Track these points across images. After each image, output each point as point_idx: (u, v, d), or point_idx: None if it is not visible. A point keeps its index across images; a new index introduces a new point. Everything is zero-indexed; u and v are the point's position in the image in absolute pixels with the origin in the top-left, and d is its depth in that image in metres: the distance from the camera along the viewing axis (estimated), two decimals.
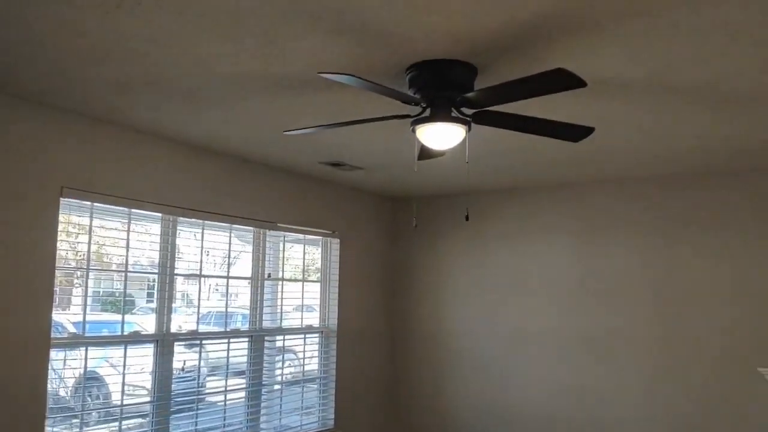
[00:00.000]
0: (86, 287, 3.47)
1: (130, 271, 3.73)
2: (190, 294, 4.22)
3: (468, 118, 2.60)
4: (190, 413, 4.05)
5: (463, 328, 5.41)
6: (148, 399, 3.79)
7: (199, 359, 4.16)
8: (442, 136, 2.57)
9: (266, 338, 4.61)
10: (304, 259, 5.06)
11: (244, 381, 4.45)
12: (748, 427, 4.28)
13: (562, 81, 2.20)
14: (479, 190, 5.41)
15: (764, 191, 4.36)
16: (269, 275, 4.67)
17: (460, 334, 5.42)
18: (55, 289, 3.24)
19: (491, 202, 5.41)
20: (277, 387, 4.72)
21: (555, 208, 5.12)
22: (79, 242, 3.46)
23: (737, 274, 4.40)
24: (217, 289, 4.44)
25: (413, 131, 2.63)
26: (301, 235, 4.95)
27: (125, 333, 3.65)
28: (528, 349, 5.11)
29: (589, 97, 2.89)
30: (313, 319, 5.13)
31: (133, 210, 3.68)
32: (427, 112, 2.60)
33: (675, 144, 3.71)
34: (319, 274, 5.20)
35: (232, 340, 4.35)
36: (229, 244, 4.36)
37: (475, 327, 5.36)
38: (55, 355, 3.28)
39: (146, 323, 3.88)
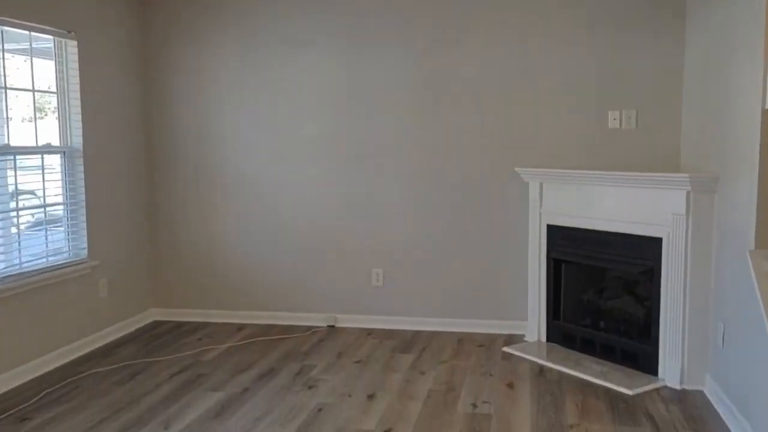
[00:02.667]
0: None
1: None
2: None
3: None
4: None
5: (229, 144, 5.01)
6: None
7: None
8: None
9: None
10: (32, 63, 4.13)
11: None
12: (507, 220, 4.67)
13: None
14: None
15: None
16: None
17: (226, 149, 5.02)
18: None
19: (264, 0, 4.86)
20: (12, 215, 3.98)
21: (329, 10, 4.76)
22: None
23: (496, 80, 4.57)
24: None
25: None
26: (24, 33, 4.00)
27: None
28: (299, 161, 4.92)
29: None
30: (51, 137, 4.33)
31: None
32: None
33: None
34: (53, 84, 4.33)
35: None
36: None
37: (244, 140, 4.99)
38: None
39: None
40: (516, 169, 4.48)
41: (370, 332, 4.80)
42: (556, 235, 4.33)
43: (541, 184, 4.39)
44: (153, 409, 3.43)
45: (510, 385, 3.72)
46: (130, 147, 4.94)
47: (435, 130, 4.70)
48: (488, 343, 4.52)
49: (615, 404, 3.43)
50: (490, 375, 3.89)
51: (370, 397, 3.57)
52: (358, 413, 3.35)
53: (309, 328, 4.93)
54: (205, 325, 5.05)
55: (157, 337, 4.74)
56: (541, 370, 3.97)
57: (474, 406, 3.43)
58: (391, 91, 4.73)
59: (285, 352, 4.37)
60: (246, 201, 5.03)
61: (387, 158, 4.79)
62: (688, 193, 3.55)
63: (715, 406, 3.39)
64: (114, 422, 3.26)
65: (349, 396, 3.58)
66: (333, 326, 4.96)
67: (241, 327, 4.98)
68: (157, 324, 5.09)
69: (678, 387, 3.66)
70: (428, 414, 3.33)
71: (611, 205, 3.98)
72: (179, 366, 4.11)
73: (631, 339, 4.00)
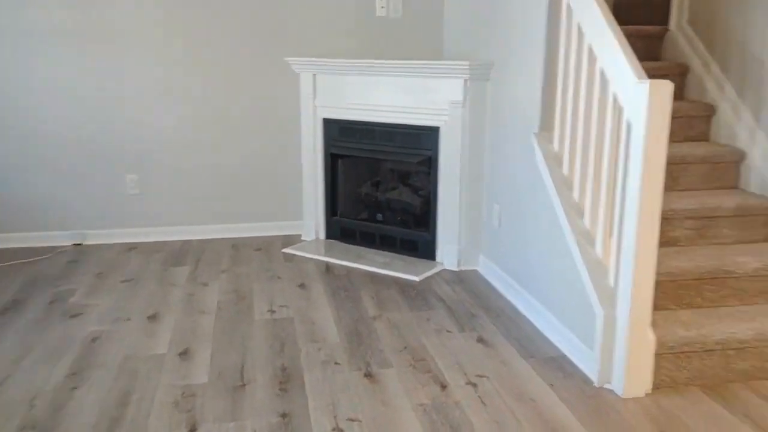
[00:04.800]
0: None
1: None
2: None
3: None
4: None
5: None
6: None
7: None
8: None
9: None
10: None
11: None
12: (278, 116, 4.36)
13: None
14: None
15: None
16: None
17: None
18: None
19: None
20: None
21: None
22: None
23: None
24: None
25: None
26: None
27: None
28: (26, 54, 3.98)
29: None
30: None
31: None
32: None
33: None
34: None
35: None
36: None
37: None
38: None
39: None
40: (286, 59, 4.15)
41: (132, 247, 4.23)
42: (332, 129, 4.18)
43: (314, 76, 4.15)
44: None
45: (302, 286, 3.57)
46: None
47: (198, 18, 4.11)
48: (265, 246, 4.29)
49: (406, 292, 3.50)
50: (279, 278, 3.69)
51: (152, 317, 3.14)
52: (143, 337, 2.92)
53: (51, 249, 4.18)
54: None
55: None
56: (327, 267, 3.89)
57: (271, 311, 3.22)
58: None
59: (27, 279, 3.64)
60: None
61: (139, 48, 4.09)
62: (465, 80, 3.62)
63: (492, 281, 3.66)
64: None
65: (128, 320, 3.11)
66: (80, 244, 4.27)
67: None
68: None
69: (456, 269, 3.86)
70: (224, 327, 3.04)
71: (388, 97, 3.92)
72: None
73: (409, 228, 4.09)
